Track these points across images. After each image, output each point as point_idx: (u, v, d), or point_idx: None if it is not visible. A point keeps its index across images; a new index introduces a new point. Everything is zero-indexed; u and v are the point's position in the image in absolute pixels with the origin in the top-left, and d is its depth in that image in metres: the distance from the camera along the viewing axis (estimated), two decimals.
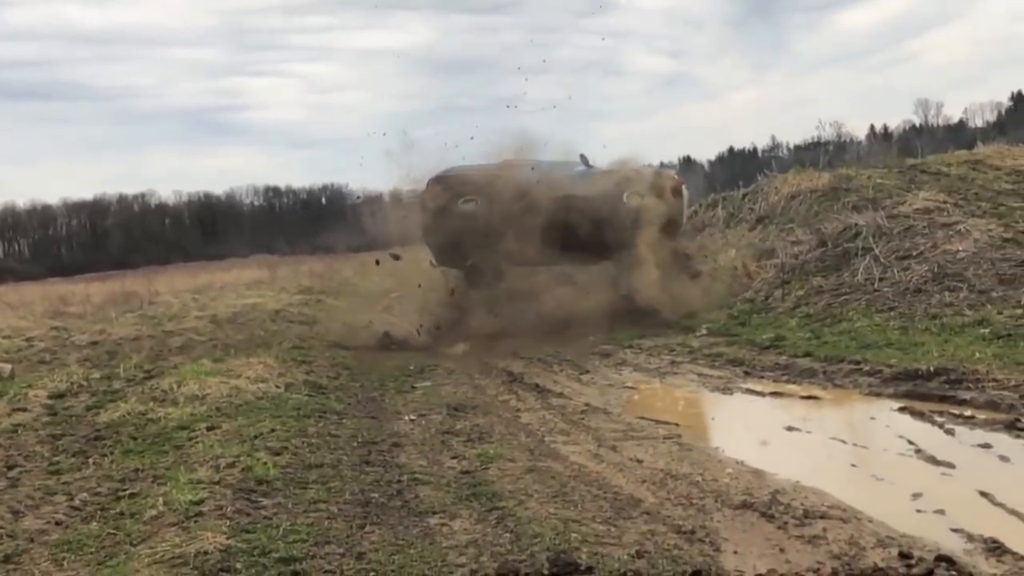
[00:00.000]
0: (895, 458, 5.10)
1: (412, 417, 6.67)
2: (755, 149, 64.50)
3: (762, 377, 7.75)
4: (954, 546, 3.63)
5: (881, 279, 10.36)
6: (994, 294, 9.12)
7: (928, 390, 6.46)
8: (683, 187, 12.78)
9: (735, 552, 3.67)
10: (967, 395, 6.16)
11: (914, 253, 10.66)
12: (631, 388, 7.78)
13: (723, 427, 6.53)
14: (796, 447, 5.68)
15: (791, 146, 60.37)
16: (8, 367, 9.64)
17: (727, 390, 7.41)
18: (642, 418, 6.41)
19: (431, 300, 12.15)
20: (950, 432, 5.51)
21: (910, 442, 5.30)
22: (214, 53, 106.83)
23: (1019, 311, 8.42)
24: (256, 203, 74.23)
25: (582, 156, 12.69)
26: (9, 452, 5.75)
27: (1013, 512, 4.06)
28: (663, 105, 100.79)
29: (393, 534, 3.99)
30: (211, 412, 6.52)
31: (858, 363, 7.41)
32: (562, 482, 4.70)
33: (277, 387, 7.52)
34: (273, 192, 74.40)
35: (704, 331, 10.27)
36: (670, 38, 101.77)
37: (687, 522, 4.01)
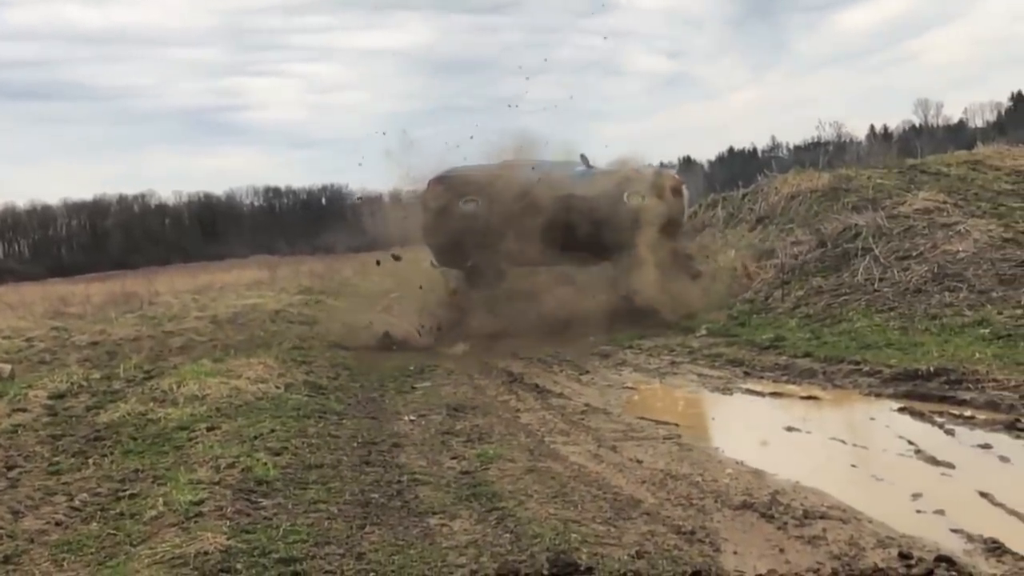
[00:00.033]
0: (895, 458, 5.10)
1: (412, 417, 6.67)
2: (755, 149, 64.52)
3: (762, 377, 7.75)
4: (954, 546, 3.63)
5: (881, 279, 10.36)
6: (994, 294, 9.12)
7: (928, 390, 6.46)
8: (683, 187, 12.78)
9: (735, 552, 3.67)
10: (967, 395, 6.16)
11: (914, 253, 10.66)
12: (631, 388, 7.78)
13: (723, 427, 6.53)
14: (796, 447, 5.68)
15: (791, 146, 60.39)
16: (8, 367, 9.65)
17: (727, 390, 7.41)
18: (642, 418, 6.41)
19: (431, 300, 12.15)
20: (950, 432, 5.51)
21: (910, 442, 5.29)
22: (214, 53, 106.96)
23: (1019, 311, 8.43)
24: (256, 203, 74.28)
25: (582, 156, 12.70)
26: (9, 452, 5.75)
27: (1013, 512, 4.06)
28: (663, 105, 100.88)
29: (393, 534, 3.99)
30: (211, 412, 6.52)
31: (858, 363, 7.41)
32: (562, 482, 4.70)
33: (277, 387, 7.52)
34: (273, 192, 74.45)
35: (704, 331, 10.27)
36: (670, 38, 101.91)
37: (687, 522, 4.01)
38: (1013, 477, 4.66)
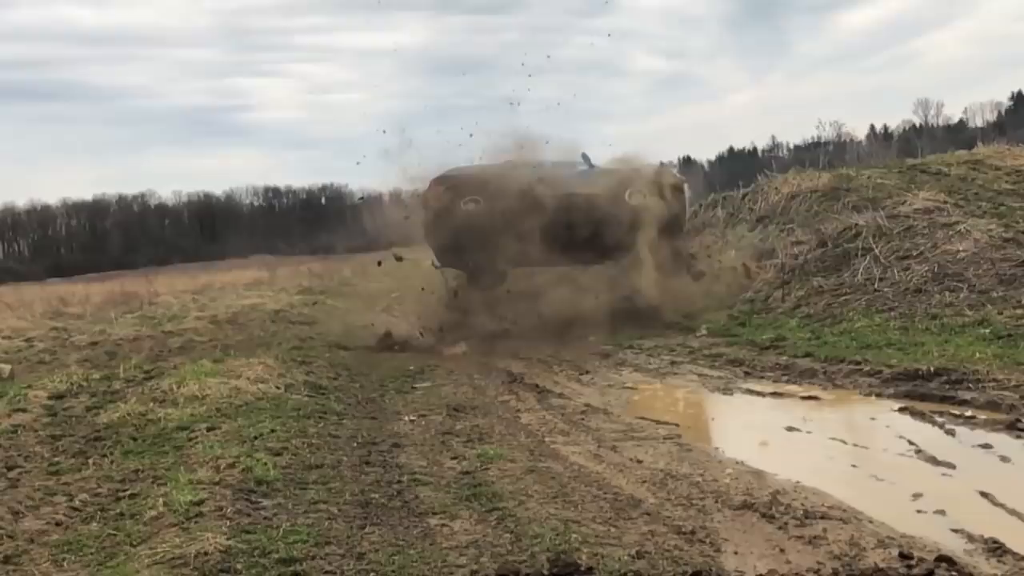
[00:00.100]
0: (895, 458, 5.10)
1: (412, 418, 6.66)
2: (755, 149, 64.67)
3: (762, 377, 7.75)
4: (954, 546, 3.63)
5: (881, 279, 10.36)
6: (994, 294, 9.12)
7: (928, 390, 6.46)
8: (685, 185, 12.78)
9: (735, 552, 3.66)
10: (967, 395, 6.16)
11: (914, 253, 10.66)
12: (631, 388, 7.78)
13: (723, 427, 6.54)
14: (796, 447, 5.67)
15: (791, 146, 60.53)
16: (8, 367, 9.65)
17: (727, 390, 7.40)
18: (642, 418, 6.41)
19: (432, 300, 12.15)
20: (950, 432, 5.51)
21: (910, 442, 5.29)
22: (214, 53, 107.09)
23: (1019, 311, 8.43)
24: (256, 203, 74.40)
25: (584, 155, 12.68)
26: (9, 452, 5.74)
27: (1014, 512, 4.06)
28: (663, 105, 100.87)
29: (393, 535, 3.99)
30: (211, 413, 6.51)
31: (858, 363, 7.41)
32: (562, 483, 4.70)
33: (277, 388, 7.51)
34: (273, 192, 74.58)
35: (704, 331, 10.27)
36: (670, 38, 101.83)
37: (687, 523, 4.01)
38: (1014, 477, 4.66)
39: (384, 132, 12.59)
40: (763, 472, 4.83)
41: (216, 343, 11.44)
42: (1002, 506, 4.15)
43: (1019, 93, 59.01)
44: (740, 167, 35.49)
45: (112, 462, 5.44)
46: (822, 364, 7.68)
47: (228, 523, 4.08)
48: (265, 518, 4.21)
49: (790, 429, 5.97)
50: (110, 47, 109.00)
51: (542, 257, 11.34)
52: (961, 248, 10.34)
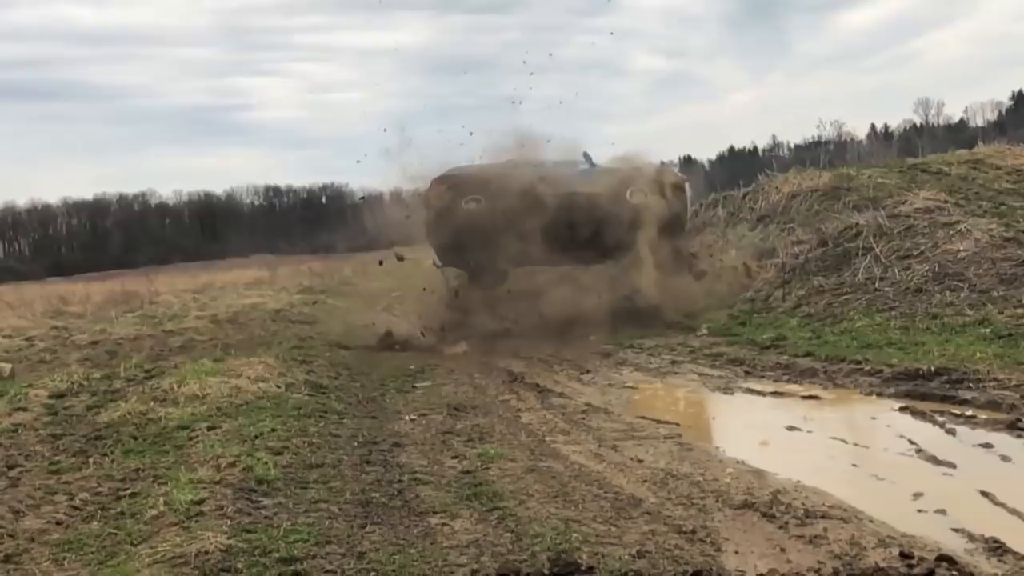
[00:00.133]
0: (896, 458, 5.09)
1: (413, 417, 6.66)
2: (755, 148, 64.69)
3: (763, 377, 7.75)
4: (955, 546, 3.63)
5: (882, 279, 10.36)
6: (995, 294, 9.12)
7: (929, 390, 6.46)
8: (686, 184, 12.78)
9: (736, 552, 3.66)
10: (968, 395, 6.16)
11: (915, 253, 10.66)
12: (632, 388, 7.78)
13: (724, 427, 6.54)
14: (797, 447, 5.67)
15: (791, 145, 60.58)
16: (8, 367, 9.65)
17: (728, 390, 7.40)
18: (643, 418, 6.41)
19: (432, 300, 12.15)
20: (951, 432, 5.51)
21: (911, 442, 5.29)
22: (214, 52, 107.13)
23: (1020, 311, 8.42)
24: (256, 203, 74.44)
25: (585, 154, 12.68)
26: (9, 452, 5.74)
27: (1014, 512, 4.06)
28: (663, 105, 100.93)
29: (394, 534, 3.99)
30: (211, 412, 6.51)
31: (859, 363, 7.41)
32: (563, 482, 4.70)
33: (278, 387, 7.51)
34: (273, 192, 74.62)
35: (705, 331, 10.27)
36: (670, 38, 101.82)
37: (688, 522, 4.01)
38: (1014, 476, 4.66)
39: (385, 131, 12.62)
40: (764, 471, 4.83)
41: (217, 342, 11.44)
42: (1003, 505, 4.15)
43: (1019, 92, 59.06)
44: (741, 166, 35.53)
45: (113, 461, 5.44)
46: (823, 363, 7.68)
47: (229, 522, 4.08)
48: (266, 517, 4.21)
49: (791, 428, 5.96)
50: (110, 46, 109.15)
51: (543, 256, 11.33)
52: (962, 247, 10.34)
